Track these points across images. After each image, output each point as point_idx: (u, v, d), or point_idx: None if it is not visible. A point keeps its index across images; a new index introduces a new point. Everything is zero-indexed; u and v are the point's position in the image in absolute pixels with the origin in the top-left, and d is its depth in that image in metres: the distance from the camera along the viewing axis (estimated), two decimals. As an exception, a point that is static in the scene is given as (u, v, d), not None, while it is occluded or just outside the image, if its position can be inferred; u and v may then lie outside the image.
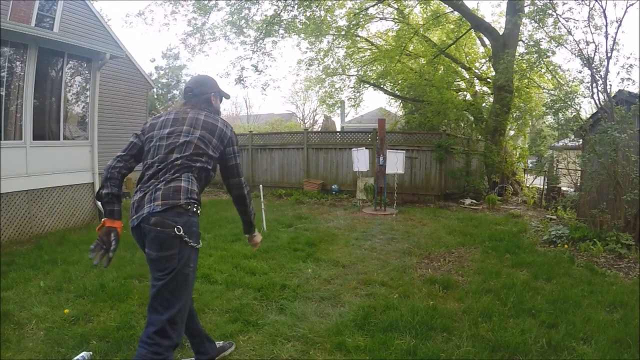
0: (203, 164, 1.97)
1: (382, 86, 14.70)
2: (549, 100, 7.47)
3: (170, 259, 1.78)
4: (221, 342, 2.49)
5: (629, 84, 5.61)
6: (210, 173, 2.03)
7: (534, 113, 11.71)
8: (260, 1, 12.21)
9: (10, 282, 3.65)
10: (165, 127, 2.03)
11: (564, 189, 9.61)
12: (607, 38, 5.56)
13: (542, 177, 10.15)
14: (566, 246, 5.12)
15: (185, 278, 1.83)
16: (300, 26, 12.58)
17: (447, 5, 11.47)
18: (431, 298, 3.41)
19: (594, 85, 5.68)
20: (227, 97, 2.35)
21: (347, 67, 14.90)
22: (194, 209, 1.88)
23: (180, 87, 31.97)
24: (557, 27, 8.10)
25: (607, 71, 5.62)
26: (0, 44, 5.24)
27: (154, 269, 1.83)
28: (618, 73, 6.43)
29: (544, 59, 8.23)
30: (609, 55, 5.55)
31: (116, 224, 1.91)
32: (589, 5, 5.91)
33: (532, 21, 8.30)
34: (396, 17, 13.32)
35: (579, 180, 7.41)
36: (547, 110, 6.89)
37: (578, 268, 4.28)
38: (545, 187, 9.69)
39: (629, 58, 5.54)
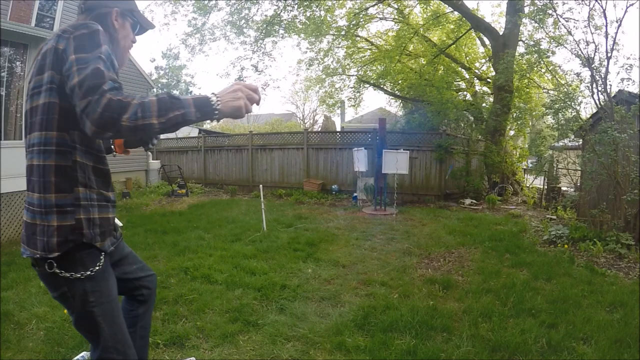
0: (61, 147, 1.29)
1: (382, 86, 14.70)
2: (548, 100, 7.48)
3: (64, 298, 1.40)
4: None
5: (629, 84, 5.62)
6: (76, 151, 1.32)
7: (534, 113, 11.71)
8: (260, 1, 12.25)
9: (10, 282, 3.65)
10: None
11: (564, 189, 9.60)
12: (607, 38, 5.57)
13: (542, 177, 10.14)
14: (566, 246, 5.12)
15: (90, 316, 1.41)
16: (300, 26, 12.60)
17: (447, 5, 11.48)
18: (431, 298, 3.41)
19: (594, 85, 5.69)
20: (151, 27, 1.60)
21: (347, 67, 14.92)
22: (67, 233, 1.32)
23: (180, 87, 32.06)
24: (557, 27, 8.14)
25: (607, 71, 5.63)
26: (0, 44, 5.25)
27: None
28: (618, 73, 6.45)
29: (544, 59, 8.23)
30: (609, 55, 5.56)
31: None
32: (589, 6, 5.92)
33: (532, 21, 8.32)
34: (396, 17, 13.33)
35: (579, 180, 7.41)
36: (547, 110, 6.90)
37: (578, 268, 4.28)
38: (545, 187, 9.69)
39: (629, 58, 5.56)
